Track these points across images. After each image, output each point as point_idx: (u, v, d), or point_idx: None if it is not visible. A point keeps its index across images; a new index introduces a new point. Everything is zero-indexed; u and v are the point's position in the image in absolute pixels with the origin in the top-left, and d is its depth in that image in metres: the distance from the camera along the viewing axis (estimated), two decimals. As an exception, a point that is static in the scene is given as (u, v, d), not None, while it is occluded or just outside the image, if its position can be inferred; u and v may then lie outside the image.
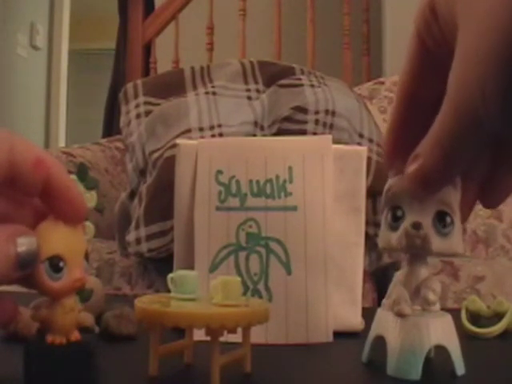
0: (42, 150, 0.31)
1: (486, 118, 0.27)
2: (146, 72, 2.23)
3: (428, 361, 0.38)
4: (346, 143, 0.95)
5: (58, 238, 0.31)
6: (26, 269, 0.29)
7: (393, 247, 0.37)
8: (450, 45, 0.29)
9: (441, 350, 0.39)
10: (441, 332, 0.38)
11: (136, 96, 1.07)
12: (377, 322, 0.41)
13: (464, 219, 0.37)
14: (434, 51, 0.32)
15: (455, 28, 0.29)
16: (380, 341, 0.40)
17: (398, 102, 0.35)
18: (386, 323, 0.39)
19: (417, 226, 0.36)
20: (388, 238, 0.37)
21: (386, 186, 0.37)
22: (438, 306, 0.39)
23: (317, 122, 0.98)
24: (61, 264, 0.31)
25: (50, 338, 0.32)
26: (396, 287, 0.38)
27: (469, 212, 0.37)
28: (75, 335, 0.33)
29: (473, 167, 0.35)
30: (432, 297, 0.37)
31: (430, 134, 0.31)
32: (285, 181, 0.53)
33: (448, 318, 0.39)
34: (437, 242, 0.36)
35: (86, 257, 0.33)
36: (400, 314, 0.37)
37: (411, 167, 0.32)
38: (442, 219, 0.36)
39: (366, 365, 0.42)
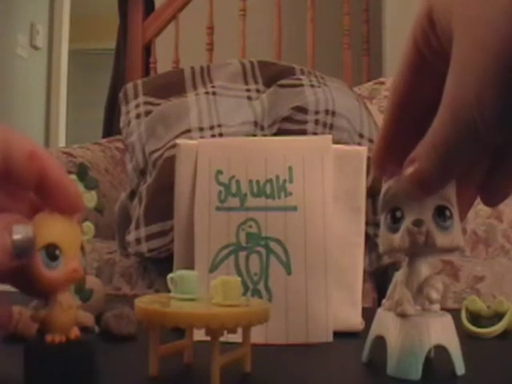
0: (36, 144, 0.31)
1: (482, 124, 0.27)
2: (146, 72, 2.23)
3: (428, 361, 0.38)
4: (346, 143, 0.95)
5: (54, 228, 0.31)
6: (22, 257, 0.29)
7: (395, 248, 0.37)
8: (446, 54, 0.30)
9: (441, 350, 0.39)
10: (441, 332, 0.38)
11: (136, 96, 1.07)
12: (377, 322, 0.41)
13: (463, 217, 0.37)
14: (430, 60, 0.33)
15: (452, 36, 0.29)
16: (380, 341, 0.40)
17: (390, 107, 0.35)
18: (386, 323, 0.39)
19: (418, 222, 0.35)
20: (389, 240, 0.37)
21: (384, 189, 0.37)
22: (438, 306, 0.39)
23: (317, 122, 0.98)
24: (57, 252, 0.31)
25: (49, 338, 0.32)
26: (398, 287, 0.38)
27: (467, 209, 0.37)
28: (75, 332, 0.33)
29: (472, 168, 0.35)
30: (435, 295, 0.37)
31: (426, 139, 0.31)
32: (285, 181, 0.53)
33: (448, 318, 0.39)
34: (439, 237, 0.36)
35: (82, 250, 0.33)
36: (403, 315, 0.37)
37: (408, 170, 0.32)
38: (441, 214, 0.36)
39: (366, 365, 0.42)
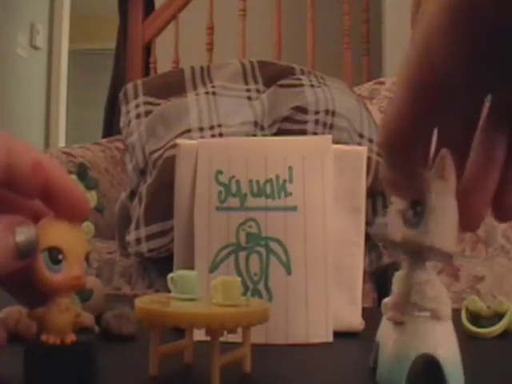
0: (40, 153, 0.31)
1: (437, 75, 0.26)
2: (146, 72, 2.23)
3: (423, 370, 0.35)
4: (346, 143, 0.95)
5: (59, 232, 0.31)
6: (25, 258, 0.29)
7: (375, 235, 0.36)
8: None
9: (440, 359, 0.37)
10: (433, 340, 0.36)
11: (136, 96, 1.07)
12: (380, 325, 0.40)
13: (473, 229, 0.35)
14: None
15: None
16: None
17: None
18: (382, 327, 0.39)
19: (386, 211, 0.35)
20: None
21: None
22: (442, 312, 0.36)
23: (317, 122, 0.98)
24: (60, 256, 0.31)
25: (44, 337, 0.32)
26: (393, 290, 0.37)
27: (478, 222, 0.35)
28: (71, 337, 0.33)
29: (483, 177, 0.34)
30: (424, 303, 0.35)
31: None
32: (285, 181, 0.53)
33: (446, 325, 0.37)
34: (402, 232, 0.34)
35: (87, 258, 0.33)
36: (391, 320, 0.37)
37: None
38: (413, 207, 0.34)
39: (366, 365, 0.42)
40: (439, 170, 0.33)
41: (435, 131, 0.33)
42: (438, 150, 0.34)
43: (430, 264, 0.37)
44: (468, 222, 0.34)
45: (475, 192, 0.34)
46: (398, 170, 0.31)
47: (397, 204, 0.35)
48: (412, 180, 0.33)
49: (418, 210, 0.34)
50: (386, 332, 0.38)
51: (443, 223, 0.34)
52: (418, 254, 0.36)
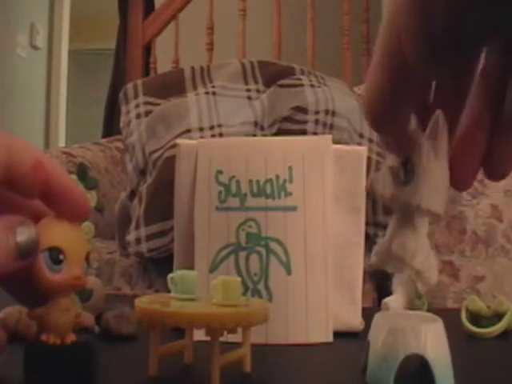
0: (40, 153, 0.31)
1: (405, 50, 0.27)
2: (146, 72, 2.23)
3: (411, 370, 0.35)
4: (346, 143, 0.95)
5: (59, 232, 0.31)
6: (25, 258, 0.29)
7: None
8: None
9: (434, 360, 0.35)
10: (423, 340, 0.35)
11: (136, 96, 1.07)
12: (372, 325, 0.40)
13: (463, 187, 0.34)
14: None
15: None
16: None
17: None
18: (373, 327, 0.38)
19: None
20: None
21: None
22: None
23: (317, 122, 0.98)
24: (61, 256, 0.31)
25: (44, 337, 0.32)
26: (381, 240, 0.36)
27: (470, 180, 0.33)
28: (71, 337, 0.33)
29: (474, 133, 0.34)
30: (406, 258, 0.33)
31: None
32: (285, 181, 0.53)
33: (437, 325, 0.36)
34: (392, 189, 0.33)
35: (87, 258, 0.33)
36: (372, 265, 0.36)
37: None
38: (404, 165, 0.33)
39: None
40: (432, 130, 0.33)
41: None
42: (432, 111, 0.34)
43: (422, 224, 0.34)
44: (460, 181, 0.33)
45: (465, 151, 0.34)
46: (386, 135, 0.32)
47: (389, 160, 0.34)
48: (401, 142, 0.33)
49: (408, 168, 0.33)
50: (375, 331, 0.37)
51: (433, 183, 0.33)
52: (407, 212, 0.34)
